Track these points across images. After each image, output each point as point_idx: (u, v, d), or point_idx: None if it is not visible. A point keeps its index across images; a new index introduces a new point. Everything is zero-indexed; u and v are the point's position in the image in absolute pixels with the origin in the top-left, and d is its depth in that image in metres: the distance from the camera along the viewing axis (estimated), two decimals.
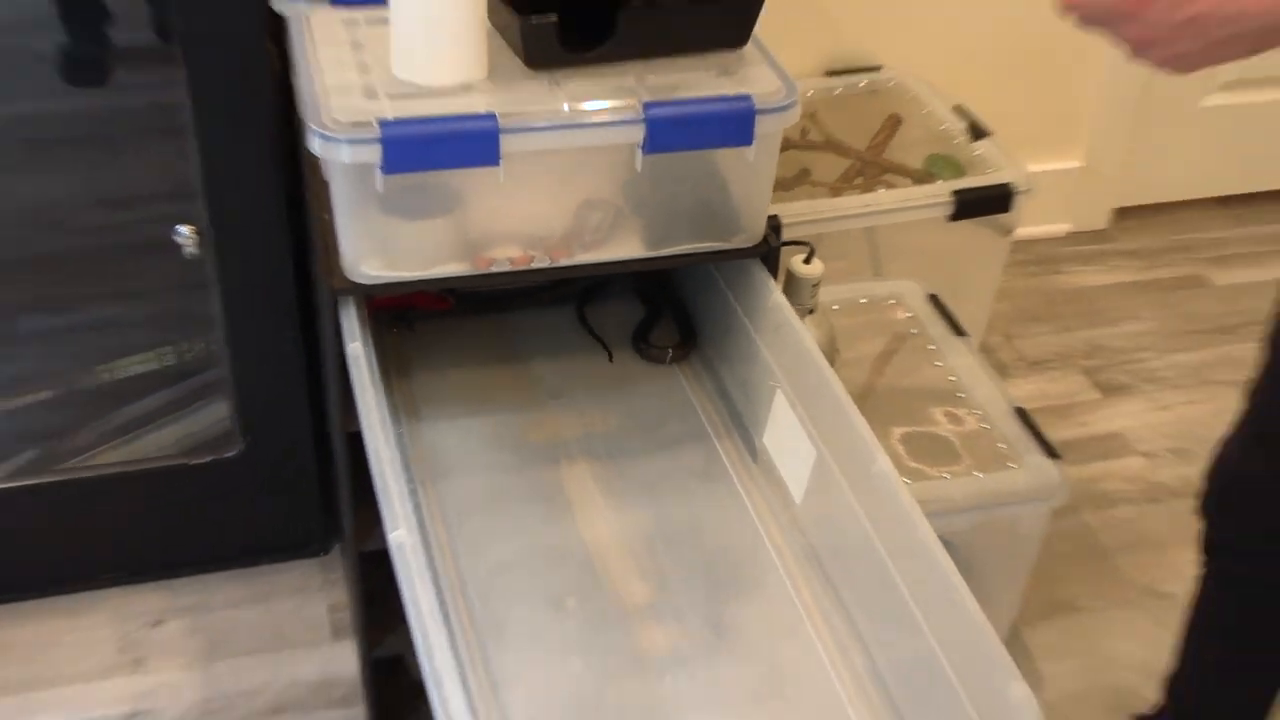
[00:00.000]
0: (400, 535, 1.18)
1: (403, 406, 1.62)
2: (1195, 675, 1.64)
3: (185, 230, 1.78)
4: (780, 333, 1.50)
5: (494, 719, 1.24)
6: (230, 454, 1.97)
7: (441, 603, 1.29)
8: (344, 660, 1.95)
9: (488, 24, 1.41)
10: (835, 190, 2.30)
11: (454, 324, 1.76)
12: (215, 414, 1.99)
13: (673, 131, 1.39)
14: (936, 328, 2.06)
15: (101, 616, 2.00)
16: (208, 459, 1.97)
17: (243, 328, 1.86)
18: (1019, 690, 1.08)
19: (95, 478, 1.96)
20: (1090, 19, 1.04)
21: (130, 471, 1.97)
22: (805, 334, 1.46)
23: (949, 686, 1.17)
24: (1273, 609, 1.56)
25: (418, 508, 1.45)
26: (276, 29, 1.65)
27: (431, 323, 1.75)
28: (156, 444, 2.00)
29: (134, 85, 1.79)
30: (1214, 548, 1.56)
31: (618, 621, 1.36)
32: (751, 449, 1.56)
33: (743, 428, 1.59)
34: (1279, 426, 1.44)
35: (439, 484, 1.50)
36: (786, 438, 1.47)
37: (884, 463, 1.28)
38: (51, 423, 2.00)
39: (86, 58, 1.75)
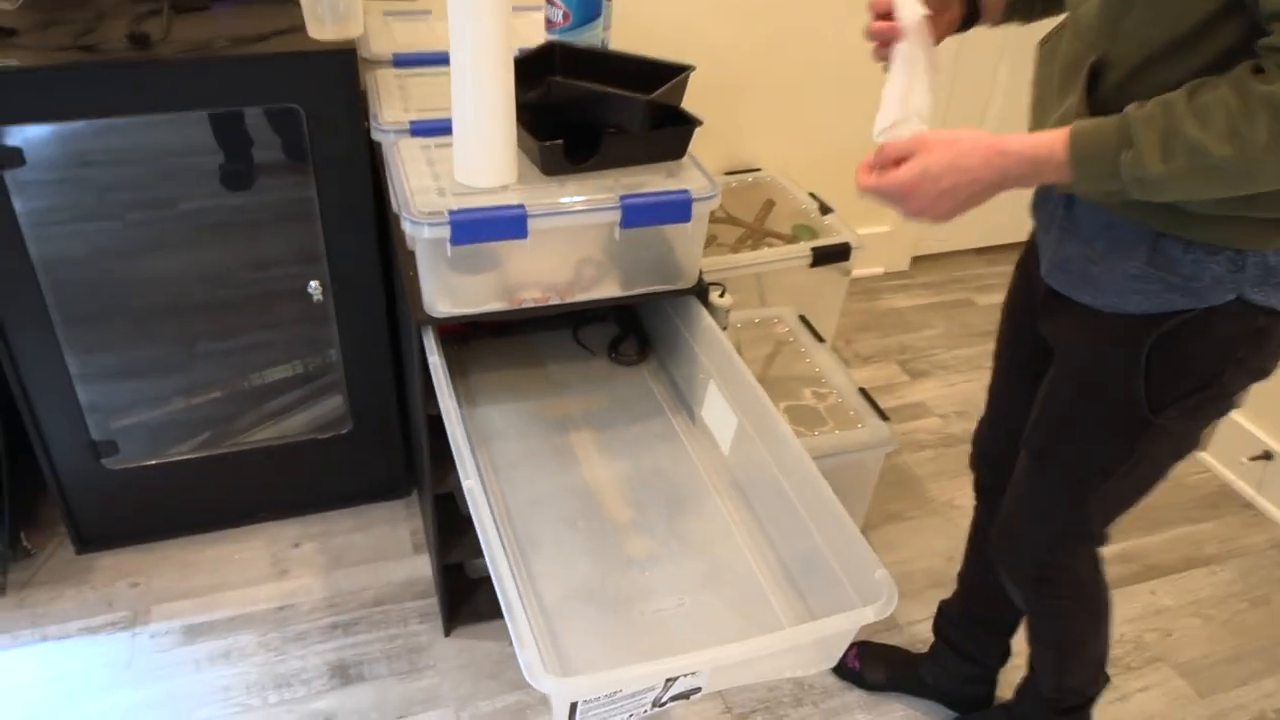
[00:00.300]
0: (471, 483, 1.18)
1: (464, 396, 1.60)
2: (973, 573, 1.63)
3: (315, 284, 1.76)
4: (710, 343, 1.50)
5: (533, 601, 1.24)
6: (344, 431, 1.95)
7: (496, 525, 1.28)
8: (422, 567, 1.93)
9: (517, 147, 1.41)
10: (734, 249, 2.29)
11: (494, 342, 1.74)
12: (333, 404, 1.96)
13: (638, 214, 1.40)
14: (804, 337, 2.06)
15: (259, 542, 1.98)
16: (329, 435, 1.95)
17: (352, 346, 1.84)
18: (881, 573, 1.09)
19: (252, 449, 1.94)
20: (878, 197, 1.04)
21: (276, 445, 1.94)
22: (727, 343, 1.46)
23: (832, 571, 1.17)
24: None
25: (478, 464, 1.43)
26: (372, 151, 1.65)
27: (479, 341, 1.74)
28: (293, 426, 1.97)
29: (270, 187, 1.77)
30: (977, 492, 1.56)
31: (611, 535, 1.35)
32: (693, 419, 1.55)
33: (687, 406, 1.58)
34: (999, 418, 1.44)
35: (490, 446, 1.49)
36: (717, 411, 1.47)
37: (784, 426, 1.29)
38: (221, 413, 1.95)
39: (237, 171, 1.72)
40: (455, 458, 1.23)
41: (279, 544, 1.97)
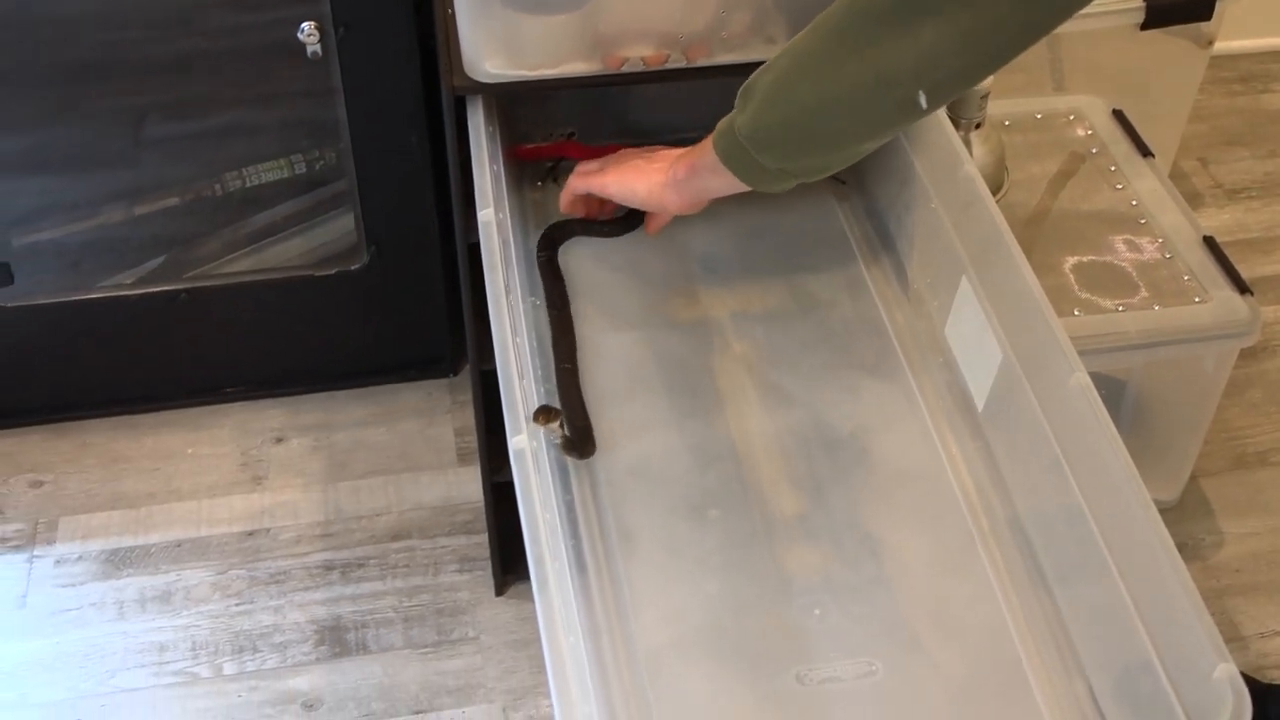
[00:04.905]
0: (521, 441, 1.15)
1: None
2: None
3: (308, 27, 1.76)
4: (939, 163, 1.44)
5: (616, 648, 1.19)
6: (355, 266, 1.97)
7: (567, 506, 1.25)
8: (469, 485, 1.96)
9: None
10: None
11: None
12: (344, 225, 1.99)
13: None
14: (1120, 147, 1.98)
15: (223, 431, 2.03)
16: (333, 270, 1.98)
17: (366, 132, 1.85)
18: (1224, 670, 1.02)
19: (220, 286, 1.98)
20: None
21: (255, 281, 1.98)
22: (971, 168, 1.38)
23: (1141, 649, 1.09)
24: None
25: (549, 391, 1.38)
26: None
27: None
28: (282, 255, 2.01)
29: None
30: None
31: (764, 537, 1.29)
32: (931, 334, 1.47)
33: (924, 313, 1.49)
34: None
35: (579, 366, 1.45)
36: (970, 333, 1.38)
37: (1081, 376, 1.19)
38: (178, 230, 2.01)
39: None
40: (501, 383, 1.20)
41: (254, 436, 2.02)
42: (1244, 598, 1.86)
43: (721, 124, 1.22)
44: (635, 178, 1.39)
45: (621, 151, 1.46)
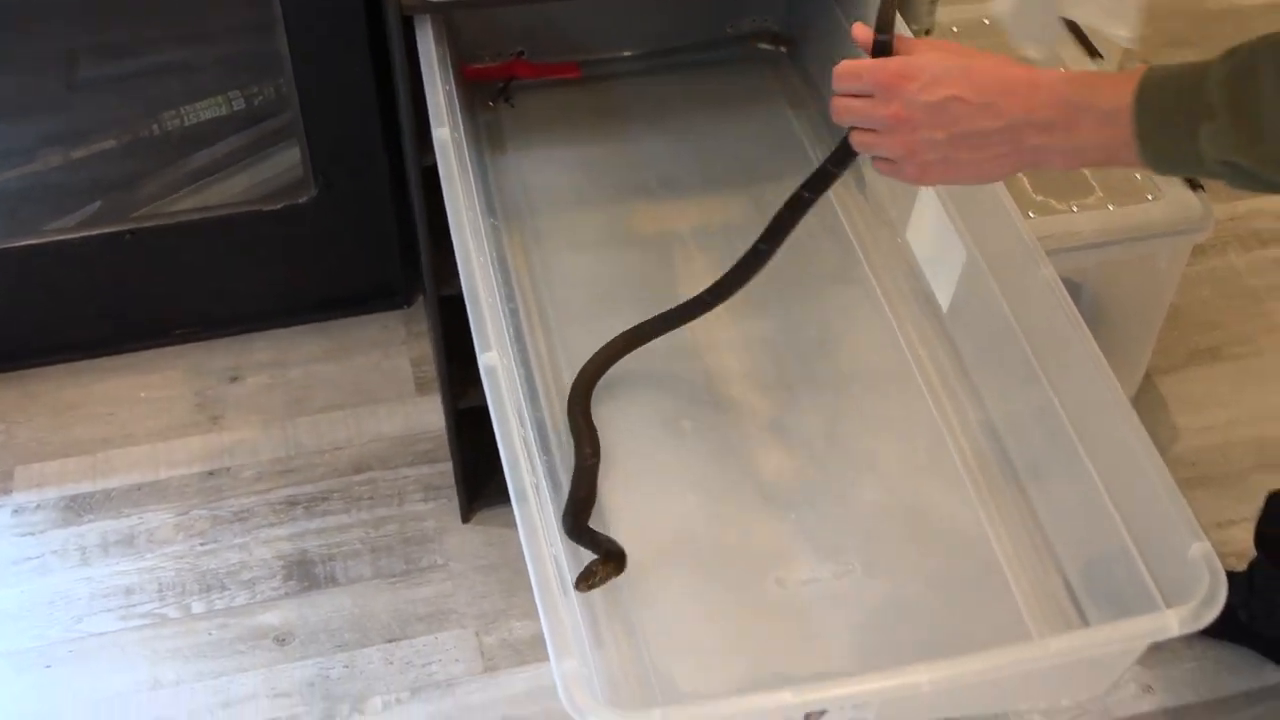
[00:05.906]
0: (491, 358, 1.14)
1: (499, 200, 1.56)
2: None
3: None
4: None
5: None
6: (303, 199, 1.95)
7: (537, 425, 1.25)
8: (429, 415, 1.96)
9: None
10: None
11: (561, 99, 1.68)
12: (289, 159, 1.97)
13: None
14: (1068, 51, 1.97)
15: (176, 373, 2.02)
16: (280, 205, 1.96)
17: (309, 63, 1.82)
18: (1199, 549, 1.03)
19: (164, 226, 1.96)
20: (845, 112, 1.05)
21: (200, 220, 1.96)
22: None
23: (1114, 533, 1.11)
24: None
25: (510, 315, 1.37)
26: None
27: (529, 98, 1.68)
28: (227, 192, 1.99)
29: None
30: None
31: (738, 446, 1.30)
32: (892, 239, 1.48)
33: (885, 220, 1.50)
34: None
35: (539, 283, 1.46)
36: (932, 233, 1.39)
37: (1047, 269, 1.20)
38: (117, 173, 1.99)
39: None
40: (466, 298, 1.20)
41: (207, 375, 2.02)
42: (1202, 489, 1.89)
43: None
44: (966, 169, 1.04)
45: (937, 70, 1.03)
